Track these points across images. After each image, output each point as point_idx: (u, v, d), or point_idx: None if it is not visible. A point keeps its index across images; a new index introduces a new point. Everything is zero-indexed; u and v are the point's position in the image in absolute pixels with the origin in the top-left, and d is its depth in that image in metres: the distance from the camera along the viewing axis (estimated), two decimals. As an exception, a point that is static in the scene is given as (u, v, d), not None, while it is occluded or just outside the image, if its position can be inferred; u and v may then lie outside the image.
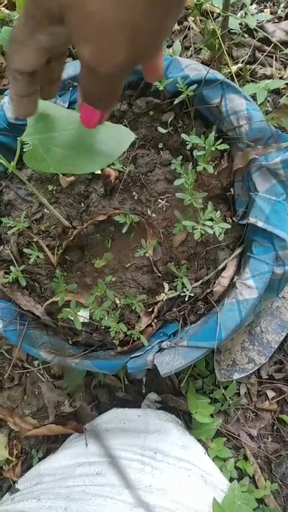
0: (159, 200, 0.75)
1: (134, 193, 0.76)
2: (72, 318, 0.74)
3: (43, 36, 0.27)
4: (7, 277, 0.73)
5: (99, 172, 0.76)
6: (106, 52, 0.24)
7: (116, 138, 0.48)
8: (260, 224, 0.63)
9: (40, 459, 0.78)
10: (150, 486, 0.67)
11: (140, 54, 0.25)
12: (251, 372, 0.79)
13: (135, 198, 0.76)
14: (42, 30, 0.27)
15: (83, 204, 0.77)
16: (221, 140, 0.64)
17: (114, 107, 0.76)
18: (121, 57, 0.24)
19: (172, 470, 0.70)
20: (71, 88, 0.74)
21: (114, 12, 0.22)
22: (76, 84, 0.74)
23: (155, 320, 0.72)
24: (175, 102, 0.69)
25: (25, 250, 0.73)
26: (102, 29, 0.23)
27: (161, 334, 0.70)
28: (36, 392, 0.82)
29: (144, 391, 0.81)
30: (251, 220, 0.63)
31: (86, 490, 0.66)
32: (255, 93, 0.82)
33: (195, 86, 0.66)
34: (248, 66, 0.90)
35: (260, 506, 0.77)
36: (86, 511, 0.62)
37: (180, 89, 0.66)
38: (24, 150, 0.67)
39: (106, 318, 0.71)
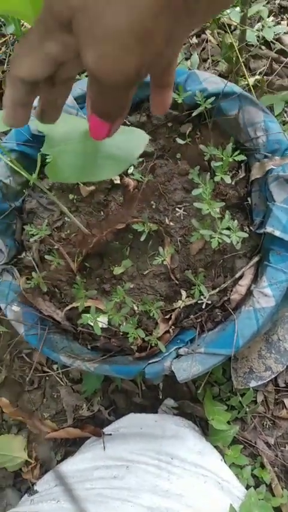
0: (176, 209, 0.76)
1: (152, 202, 0.78)
2: (91, 324, 0.76)
3: (52, 45, 0.26)
4: (29, 283, 0.75)
5: (118, 181, 0.78)
6: (114, 58, 0.23)
7: (131, 142, 0.49)
8: (277, 234, 0.63)
9: (58, 462, 0.80)
10: (167, 491, 0.68)
11: (148, 63, 0.23)
12: (268, 379, 0.79)
13: (153, 207, 0.77)
14: (51, 38, 0.25)
15: (102, 213, 0.79)
16: (238, 151, 0.66)
17: (132, 119, 0.78)
18: (129, 65, 0.23)
19: (189, 475, 0.71)
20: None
21: (125, 13, 0.21)
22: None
23: (173, 327, 0.73)
24: (193, 114, 0.71)
25: (46, 256, 0.75)
26: (112, 32, 0.22)
27: (178, 341, 0.71)
28: (55, 396, 0.84)
29: (161, 397, 0.82)
30: (268, 229, 0.64)
31: (103, 493, 0.67)
32: (273, 104, 0.83)
33: (213, 98, 0.68)
34: (265, 77, 0.91)
35: (277, 515, 0.77)
36: (103, 513, 0.63)
37: (199, 102, 0.68)
38: (47, 160, 0.69)
39: (124, 323, 0.72)
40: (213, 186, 0.67)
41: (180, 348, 0.69)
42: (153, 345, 0.70)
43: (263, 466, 0.79)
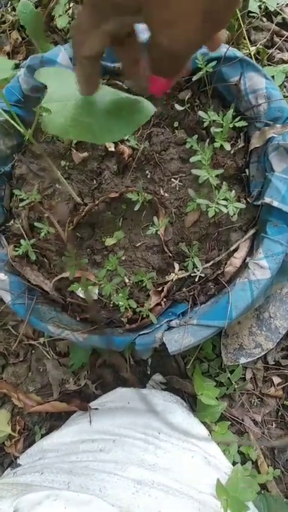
0: (172, 179, 0.74)
1: (147, 171, 0.75)
2: (80, 294, 0.74)
3: (109, 26, 0.29)
4: (17, 251, 0.72)
5: (112, 149, 0.75)
6: (185, 39, 0.26)
7: (136, 110, 0.48)
8: (275, 204, 0.62)
9: (43, 436, 0.78)
10: (154, 465, 0.67)
11: (214, 31, 0.27)
12: (258, 356, 0.79)
13: (148, 176, 0.75)
14: (108, 21, 0.29)
15: (95, 181, 0.76)
16: (239, 118, 0.63)
17: (129, 84, 0.75)
18: (198, 40, 0.27)
19: (176, 450, 0.70)
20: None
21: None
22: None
23: (164, 299, 0.71)
24: (193, 79, 0.68)
25: (36, 224, 0.73)
26: (182, 16, 0.25)
27: (170, 314, 0.70)
28: (41, 370, 0.81)
29: (149, 372, 0.81)
30: (266, 200, 0.63)
31: (89, 465, 0.66)
32: (273, 76, 0.81)
33: (214, 62, 0.65)
34: (265, 50, 0.89)
35: (262, 492, 0.77)
36: (89, 485, 0.62)
37: (200, 65, 0.65)
38: (39, 121, 0.66)
39: (115, 295, 0.70)
40: (212, 153, 0.65)
41: (171, 320, 0.68)
42: (144, 316, 0.69)
43: (250, 445, 0.79)
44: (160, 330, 0.66)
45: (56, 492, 0.53)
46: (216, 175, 0.64)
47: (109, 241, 0.75)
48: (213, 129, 0.65)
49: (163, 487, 0.63)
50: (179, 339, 0.63)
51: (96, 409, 0.76)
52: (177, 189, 0.74)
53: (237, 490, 0.68)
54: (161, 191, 0.74)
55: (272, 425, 0.80)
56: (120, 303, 0.68)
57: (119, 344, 0.66)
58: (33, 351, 0.82)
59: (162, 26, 0.26)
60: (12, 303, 0.70)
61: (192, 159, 0.65)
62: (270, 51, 0.89)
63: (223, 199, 0.65)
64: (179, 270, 0.72)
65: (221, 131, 0.63)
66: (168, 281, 0.72)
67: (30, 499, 0.50)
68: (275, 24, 0.92)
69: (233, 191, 0.67)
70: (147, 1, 0.25)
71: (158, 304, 0.71)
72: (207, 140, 0.69)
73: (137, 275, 0.68)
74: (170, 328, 0.67)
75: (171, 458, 0.68)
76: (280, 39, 0.91)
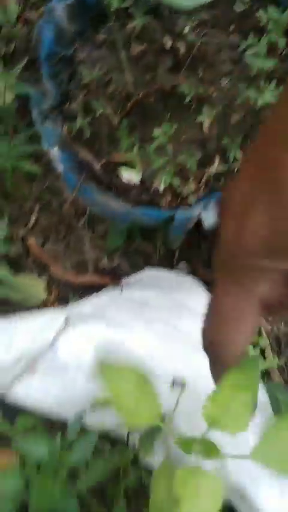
0: (223, 79, 0.79)
1: (199, 71, 0.80)
2: (125, 174, 0.80)
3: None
4: (71, 129, 0.78)
5: (169, 46, 0.80)
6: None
7: None
8: None
9: (75, 306, 0.86)
10: (176, 326, 0.75)
11: None
12: None
13: (200, 76, 0.80)
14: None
15: (149, 75, 0.81)
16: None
17: None
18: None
19: (199, 321, 0.77)
20: None
21: None
22: None
23: (203, 187, 0.78)
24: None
25: (92, 103, 0.78)
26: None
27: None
28: (78, 249, 0.89)
29: (175, 264, 0.88)
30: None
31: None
32: None
33: None
34: None
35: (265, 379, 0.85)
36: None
37: None
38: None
39: (159, 176, 0.77)
40: (267, 48, 0.70)
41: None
42: (184, 196, 0.75)
43: (260, 334, 0.87)
44: (199, 207, 0.72)
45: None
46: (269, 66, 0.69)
47: (157, 132, 0.81)
48: (270, 23, 0.69)
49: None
50: (215, 215, 0.70)
51: (127, 284, 0.84)
52: (227, 88, 0.79)
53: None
54: (211, 89, 0.79)
55: (281, 325, 0.88)
56: (162, 182, 0.74)
57: (159, 216, 0.73)
58: (73, 231, 0.89)
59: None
60: (64, 172, 0.76)
61: (249, 52, 0.69)
62: None
63: (271, 93, 0.70)
64: (219, 164, 0.78)
65: (277, 26, 0.68)
66: (208, 171, 0.78)
67: (80, 311, 0.58)
68: None
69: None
70: None
71: (197, 189, 0.77)
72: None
73: (181, 155, 0.75)
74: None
75: (193, 325, 0.76)
76: None
